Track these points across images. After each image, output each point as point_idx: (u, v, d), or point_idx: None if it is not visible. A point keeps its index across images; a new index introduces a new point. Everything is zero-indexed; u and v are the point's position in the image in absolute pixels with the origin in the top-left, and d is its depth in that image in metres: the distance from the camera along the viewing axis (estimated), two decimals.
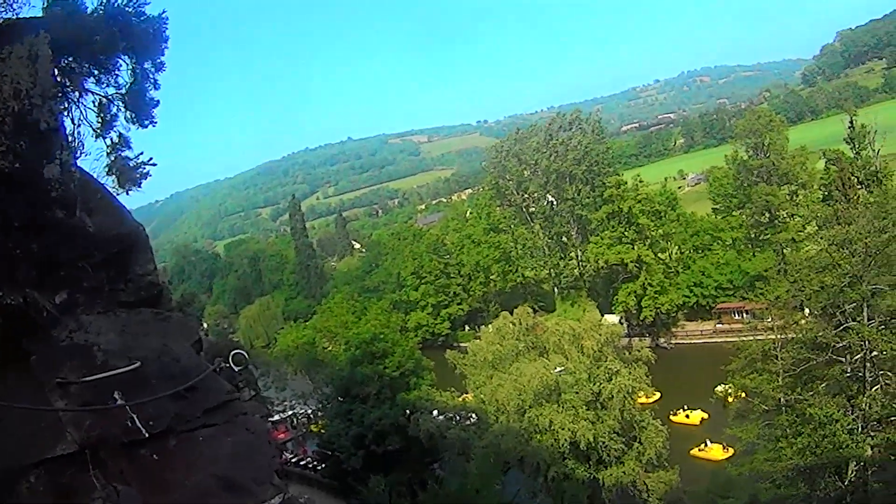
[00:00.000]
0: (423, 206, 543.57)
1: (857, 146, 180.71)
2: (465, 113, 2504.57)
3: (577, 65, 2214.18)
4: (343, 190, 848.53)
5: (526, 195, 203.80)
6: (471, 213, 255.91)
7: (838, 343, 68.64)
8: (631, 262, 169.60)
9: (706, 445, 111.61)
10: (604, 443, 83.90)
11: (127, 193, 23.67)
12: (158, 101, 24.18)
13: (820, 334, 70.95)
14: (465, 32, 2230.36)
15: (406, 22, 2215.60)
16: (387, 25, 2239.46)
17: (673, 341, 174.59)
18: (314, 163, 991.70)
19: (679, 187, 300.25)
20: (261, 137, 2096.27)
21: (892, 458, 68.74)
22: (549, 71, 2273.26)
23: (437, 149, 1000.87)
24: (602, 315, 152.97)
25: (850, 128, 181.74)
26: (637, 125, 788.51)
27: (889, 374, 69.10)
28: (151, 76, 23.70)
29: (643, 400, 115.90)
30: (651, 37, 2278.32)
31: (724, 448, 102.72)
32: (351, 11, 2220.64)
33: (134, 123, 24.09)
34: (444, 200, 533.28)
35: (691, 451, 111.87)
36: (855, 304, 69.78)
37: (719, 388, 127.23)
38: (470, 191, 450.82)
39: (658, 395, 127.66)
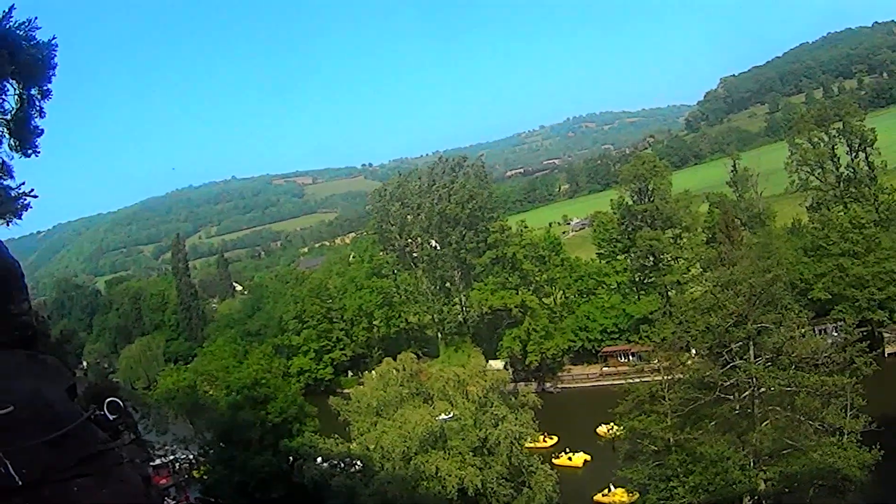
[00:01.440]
0: (306, 249, 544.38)
1: (740, 189, 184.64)
2: (350, 155, 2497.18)
3: (462, 110, 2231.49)
4: (226, 230, 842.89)
5: (409, 239, 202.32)
6: (354, 256, 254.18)
7: (726, 381, 69.24)
8: (515, 307, 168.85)
9: (609, 490, 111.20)
10: (492, 489, 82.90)
11: (7, 225, 22.44)
12: (43, 130, 22.94)
13: (707, 374, 71.53)
14: (349, 73, 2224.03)
15: (292, 60, 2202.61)
16: (272, 63, 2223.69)
17: (559, 386, 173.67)
18: (198, 201, 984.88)
19: (564, 232, 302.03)
20: (145, 171, 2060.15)
21: (786, 490, 69.24)
22: (435, 115, 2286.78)
23: (321, 191, 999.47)
24: (487, 361, 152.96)
25: (733, 171, 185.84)
26: (522, 170, 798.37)
27: (777, 409, 69.88)
28: (37, 104, 22.42)
29: (541, 444, 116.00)
30: (536, 83, 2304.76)
31: (628, 492, 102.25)
32: (236, 48, 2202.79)
33: (17, 151, 22.69)
34: (328, 244, 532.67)
35: (595, 497, 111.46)
36: (741, 342, 70.63)
37: (601, 429, 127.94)
38: (354, 234, 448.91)
39: (555, 438, 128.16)
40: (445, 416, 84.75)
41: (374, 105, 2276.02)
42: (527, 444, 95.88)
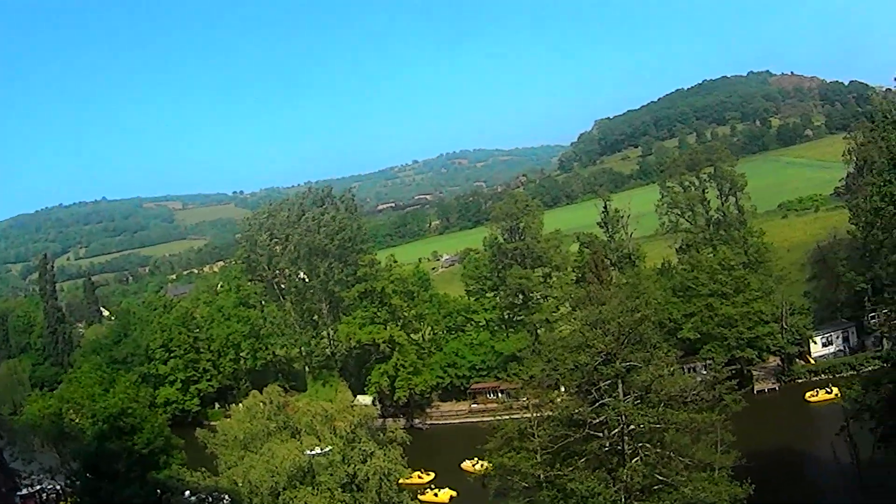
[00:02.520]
0: (174, 276, 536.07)
1: (610, 230, 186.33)
2: (221, 182, 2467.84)
3: (336, 141, 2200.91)
4: (94, 252, 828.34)
5: (277, 270, 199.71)
6: (222, 285, 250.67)
7: (595, 419, 69.63)
8: (383, 342, 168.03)
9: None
10: None
11: None
12: None
13: (576, 411, 71.90)
14: (223, 98, 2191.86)
15: (165, 82, 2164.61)
16: (146, 84, 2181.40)
17: (428, 422, 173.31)
18: (67, 221, 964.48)
19: (433, 268, 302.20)
20: (18, 185, 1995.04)
21: None
22: (308, 145, 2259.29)
23: (191, 217, 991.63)
24: (355, 395, 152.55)
25: (604, 212, 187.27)
26: (393, 204, 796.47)
27: (647, 445, 70.45)
28: None
29: (417, 480, 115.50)
30: (411, 117, 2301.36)
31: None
32: (112, 67, 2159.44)
33: None
34: (196, 271, 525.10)
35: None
36: (610, 380, 71.06)
37: (466, 464, 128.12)
38: (222, 263, 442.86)
39: (432, 475, 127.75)
40: (320, 451, 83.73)
41: (247, 132, 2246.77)
42: (403, 480, 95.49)
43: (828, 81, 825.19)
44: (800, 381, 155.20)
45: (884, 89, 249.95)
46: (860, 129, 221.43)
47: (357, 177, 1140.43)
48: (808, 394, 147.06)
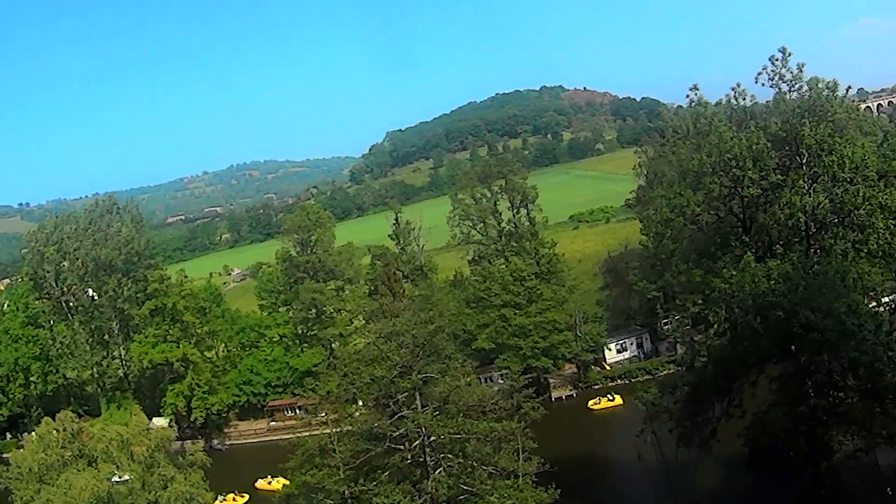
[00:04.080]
0: None
1: (402, 242, 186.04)
2: (5, 194, 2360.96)
3: (126, 151, 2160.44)
4: None
5: (65, 287, 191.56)
6: (8, 305, 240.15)
7: (395, 432, 69.12)
8: (177, 361, 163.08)
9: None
10: None
11: None
12: None
13: (376, 425, 71.31)
14: (7, 103, 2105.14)
15: None
16: None
17: (227, 442, 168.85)
18: None
19: (225, 283, 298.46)
20: None
21: None
22: (97, 155, 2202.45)
23: None
24: (151, 418, 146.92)
25: (395, 224, 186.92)
26: (183, 217, 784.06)
27: (450, 456, 70.41)
28: None
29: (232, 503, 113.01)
30: (201, 127, 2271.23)
31: None
32: None
33: None
34: None
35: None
36: (407, 393, 70.64)
37: (260, 483, 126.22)
38: (8, 280, 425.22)
39: (246, 496, 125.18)
40: (118, 479, 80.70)
41: (33, 141, 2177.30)
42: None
43: (620, 97, 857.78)
44: (597, 387, 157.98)
45: (675, 106, 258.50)
46: (651, 143, 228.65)
47: (147, 188, 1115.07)
48: (590, 402, 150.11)
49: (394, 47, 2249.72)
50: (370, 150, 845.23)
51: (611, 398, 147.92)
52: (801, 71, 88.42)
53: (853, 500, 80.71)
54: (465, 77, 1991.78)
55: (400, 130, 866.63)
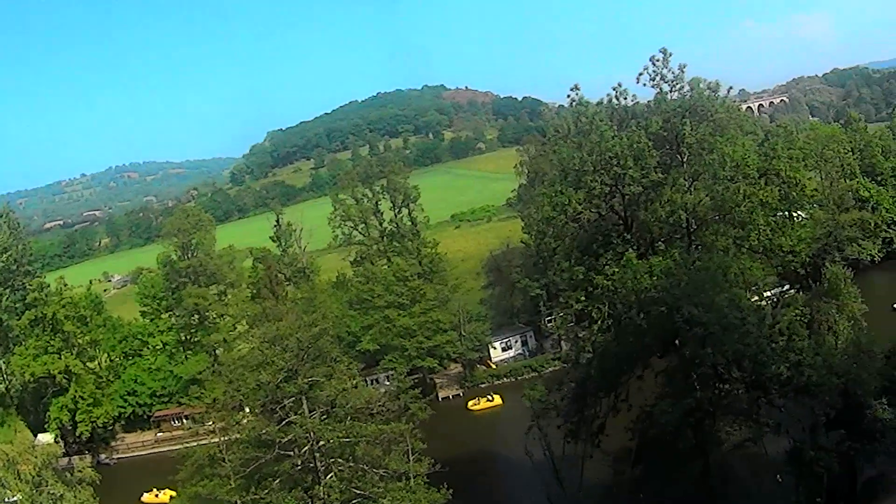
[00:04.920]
0: None
1: (283, 244, 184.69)
2: None
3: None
4: None
5: None
6: None
7: (284, 438, 68.70)
8: (59, 373, 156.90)
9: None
10: None
11: None
12: None
13: (264, 432, 70.56)
14: None
15: None
16: None
17: (115, 456, 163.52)
18: None
19: (105, 290, 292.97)
20: None
21: None
22: None
23: None
24: (36, 434, 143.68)
25: (276, 226, 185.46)
26: (61, 222, 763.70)
27: (340, 460, 70.38)
28: None
29: None
30: (78, 127, 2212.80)
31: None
32: None
33: None
34: None
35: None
36: (294, 398, 70.32)
37: (146, 497, 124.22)
38: None
39: None
40: (6, 500, 78.63)
41: None
42: None
43: (501, 97, 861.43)
44: (483, 385, 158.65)
45: (556, 105, 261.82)
46: (532, 142, 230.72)
47: (23, 192, 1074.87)
48: (470, 402, 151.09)
49: (272, 45, 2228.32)
50: (251, 150, 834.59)
51: (490, 398, 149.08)
52: (683, 71, 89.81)
53: (743, 488, 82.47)
54: (347, 76, 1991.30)
55: (281, 130, 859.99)
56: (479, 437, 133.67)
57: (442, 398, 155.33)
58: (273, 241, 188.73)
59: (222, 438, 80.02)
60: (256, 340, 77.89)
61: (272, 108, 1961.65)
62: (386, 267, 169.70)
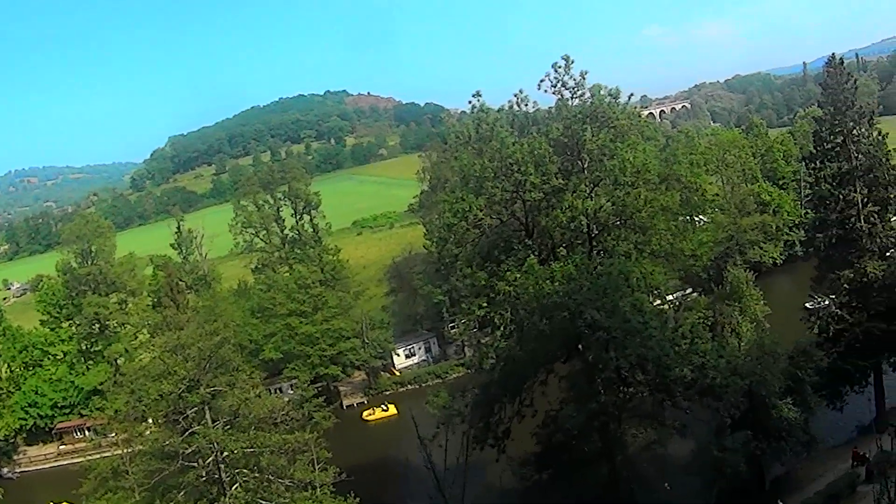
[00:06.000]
0: None
1: (184, 251, 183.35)
2: None
3: None
4: None
5: None
6: None
7: (187, 449, 67.69)
8: None
9: None
10: None
11: None
12: None
13: (167, 443, 69.54)
14: None
15: None
16: None
17: (18, 470, 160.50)
18: None
19: (4, 298, 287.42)
20: None
21: None
22: None
23: None
24: None
25: (177, 233, 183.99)
26: None
27: (245, 471, 69.62)
28: None
29: None
30: None
31: None
32: None
33: None
34: None
35: None
36: (196, 408, 69.28)
37: None
38: None
39: None
40: None
41: None
42: None
43: (403, 103, 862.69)
44: (387, 392, 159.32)
45: (458, 111, 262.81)
46: (434, 148, 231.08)
47: None
48: (365, 413, 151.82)
49: (175, 48, 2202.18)
50: (152, 155, 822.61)
51: (385, 408, 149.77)
52: (584, 78, 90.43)
53: (651, 490, 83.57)
54: (249, 81, 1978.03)
55: (182, 135, 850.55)
56: (384, 446, 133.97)
57: (346, 406, 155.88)
58: (174, 248, 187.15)
59: (125, 450, 78.85)
60: (158, 350, 76.96)
61: (174, 113, 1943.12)
62: (288, 274, 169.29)
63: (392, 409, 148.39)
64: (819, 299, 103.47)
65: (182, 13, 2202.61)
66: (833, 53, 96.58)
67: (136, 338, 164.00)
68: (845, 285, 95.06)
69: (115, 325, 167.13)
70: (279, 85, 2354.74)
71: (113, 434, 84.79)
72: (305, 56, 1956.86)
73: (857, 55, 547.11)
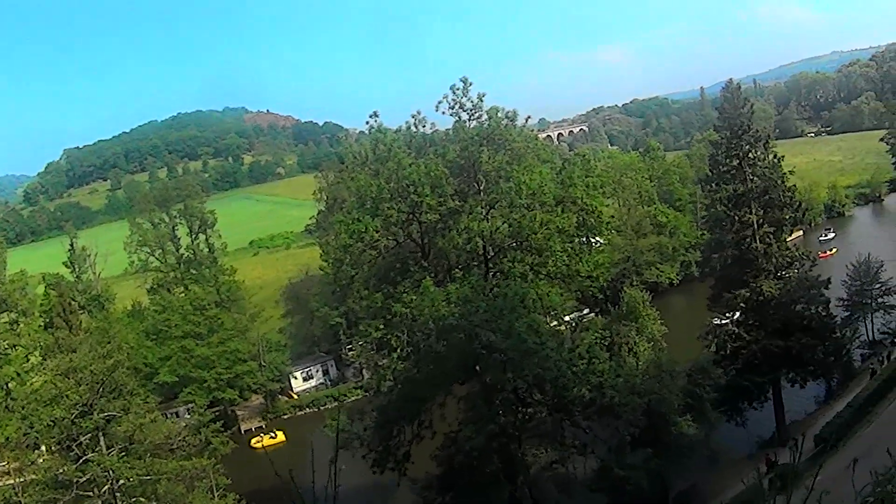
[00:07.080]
0: None
1: (77, 269, 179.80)
2: None
3: None
4: None
5: None
6: None
7: (82, 478, 66.34)
8: None
9: None
10: None
11: None
12: None
13: (60, 471, 68.01)
14: None
15: None
16: None
17: None
18: None
19: None
20: None
21: None
22: None
23: None
24: None
25: (70, 250, 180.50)
26: None
27: (142, 499, 68.37)
28: None
29: None
30: None
31: None
32: None
33: None
34: None
35: None
36: (90, 434, 67.95)
37: None
38: None
39: None
40: None
41: None
42: None
43: (303, 121, 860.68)
44: (285, 416, 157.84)
45: (357, 131, 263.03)
46: (331, 168, 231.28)
47: None
48: (253, 440, 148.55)
49: (71, 55, 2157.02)
50: (46, 168, 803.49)
51: (273, 435, 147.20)
52: (482, 100, 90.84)
53: None
54: (146, 94, 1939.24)
55: (78, 148, 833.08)
56: (282, 470, 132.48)
57: (245, 431, 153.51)
58: (67, 266, 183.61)
59: (17, 480, 76.91)
60: (50, 373, 75.50)
61: (70, 124, 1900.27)
62: (183, 295, 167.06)
63: (280, 436, 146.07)
64: (721, 318, 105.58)
65: (79, 19, 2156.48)
66: (731, 78, 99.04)
67: (28, 360, 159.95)
68: (741, 304, 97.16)
69: (6, 346, 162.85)
70: (177, 100, 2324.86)
71: (4, 463, 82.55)
72: (204, 70, 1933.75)
73: (754, 80, 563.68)
